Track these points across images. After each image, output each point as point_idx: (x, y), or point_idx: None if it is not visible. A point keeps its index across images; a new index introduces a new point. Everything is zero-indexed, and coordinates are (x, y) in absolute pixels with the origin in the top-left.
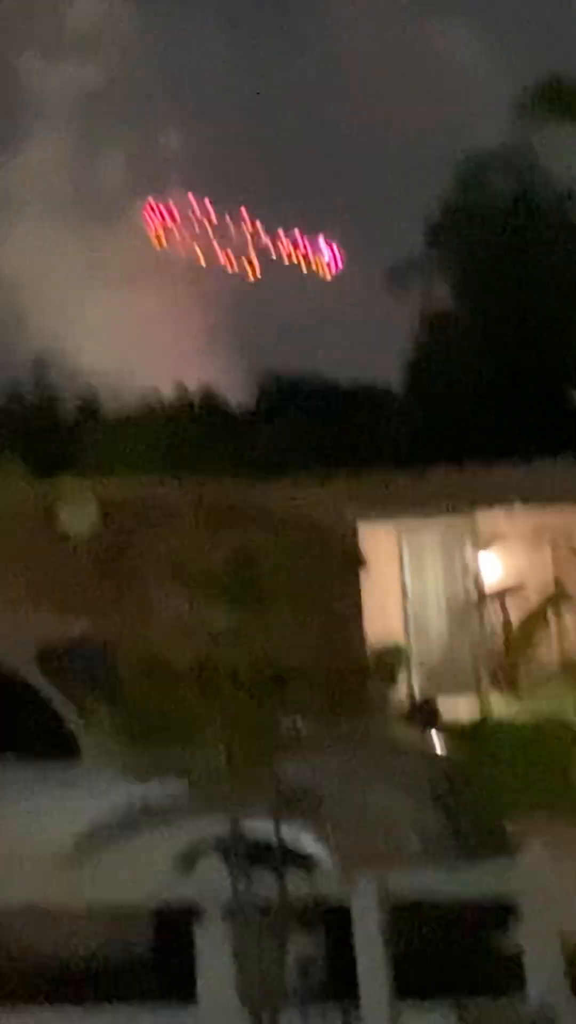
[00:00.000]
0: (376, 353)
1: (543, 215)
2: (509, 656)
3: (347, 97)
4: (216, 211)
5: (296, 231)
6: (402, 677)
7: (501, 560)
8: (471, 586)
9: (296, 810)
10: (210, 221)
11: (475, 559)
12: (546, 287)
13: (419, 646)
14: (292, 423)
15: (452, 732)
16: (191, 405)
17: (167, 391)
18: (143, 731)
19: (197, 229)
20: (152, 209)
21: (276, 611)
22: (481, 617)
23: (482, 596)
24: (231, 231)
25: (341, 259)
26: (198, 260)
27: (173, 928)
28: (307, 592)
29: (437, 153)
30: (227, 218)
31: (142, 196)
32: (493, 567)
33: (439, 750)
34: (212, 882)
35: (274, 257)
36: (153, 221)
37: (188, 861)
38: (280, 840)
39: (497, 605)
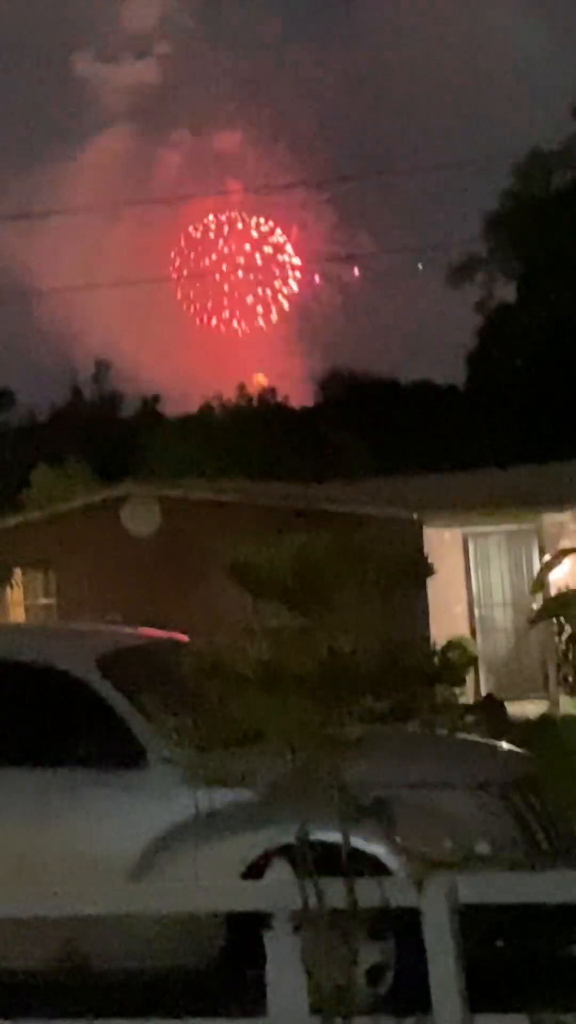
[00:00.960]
0: (439, 350)
1: None
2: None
3: (408, 92)
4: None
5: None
6: (469, 679)
7: (569, 562)
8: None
9: (364, 815)
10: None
11: (541, 559)
12: None
13: (486, 647)
14: (355, 423)
15: (520, 734)
16: (253, 406)
17: (229, 392)
18: (210, 737)
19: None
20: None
21: (342, 613)
22: (548, 618)
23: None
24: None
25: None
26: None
27: (243, 937)
28: (372, 594)
29: (498, 148)
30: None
31: (199, 196)
32: (561, 570)
33: (507, 753)
34: (281, 890)
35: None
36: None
37: (257, 869)
38: (349, 846)
39: None
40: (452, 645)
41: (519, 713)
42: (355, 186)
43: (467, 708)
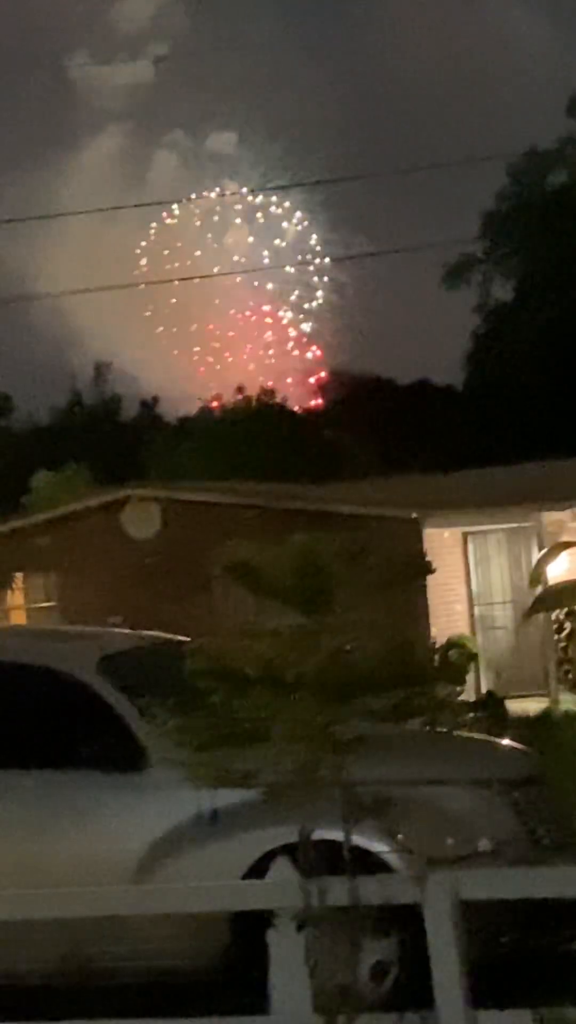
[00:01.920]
0: (437, 350)
1: None
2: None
3: (404, 92)
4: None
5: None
6: (470, 677)
7: (567, 557)
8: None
9: (366, 813)
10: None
11: (540, 555)
12: None
13: (486, 645)
14: (354, 423)
15: (521, 731)
16: (253, 408)
17: (228, 395)
18: (211, 738)
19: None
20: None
21: (342, 613)
22: (547, 616)
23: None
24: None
25: None
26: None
27: (246, 936)
28: (373, 593)
29: (495, 148)
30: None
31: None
32: (559, 565)
33: (508, 749)
34: (284, 889)
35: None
36: None
37: (259, 868)
38: (351, 844)
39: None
40: (452, 643)
41: (520, 710)
42: (351, 186)
43: (468, 706)
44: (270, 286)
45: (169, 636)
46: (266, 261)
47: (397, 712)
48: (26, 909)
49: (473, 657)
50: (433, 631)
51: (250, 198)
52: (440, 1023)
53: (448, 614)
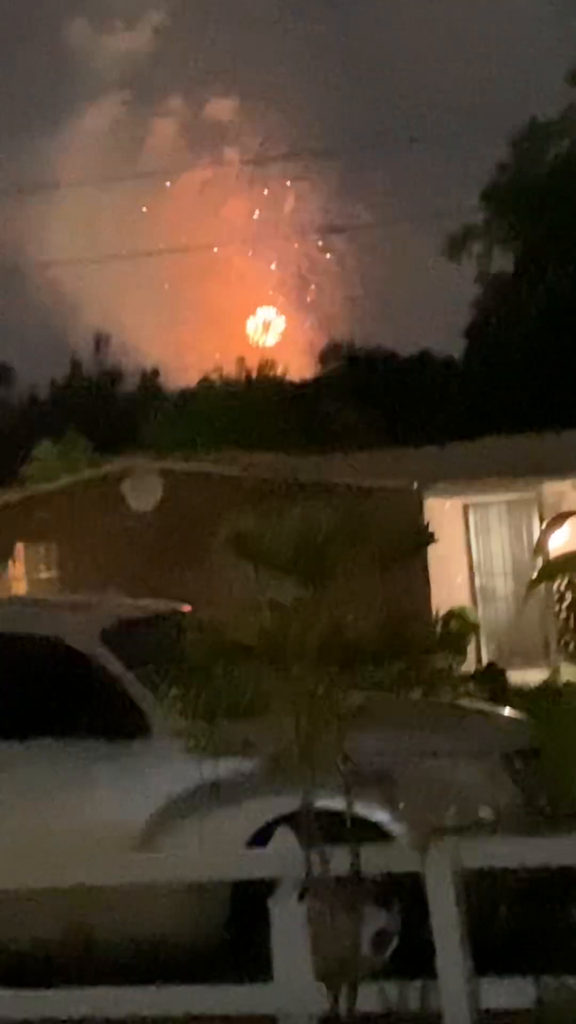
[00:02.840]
0: (437, 321)
1: None
2: None
3: (404, 62)
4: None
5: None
6: (471, 648)
7: (569, 528)
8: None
9: (367, 783)
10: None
11: (541, 528)
12: None
13: (487, 617)
14: (354, 394)
15: (521, 701)
16: (252, 378)
17: (228, 365)
18: (212, 708)
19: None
20: None
21: (342, 584)
22: (548, 587)
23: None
24: (288, 206)
25: None
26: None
27: (247, 905)
28: (373, 564)
29: (495, 119)
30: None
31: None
32: (561, 536)
33: (509, 720)
34: (285, 858)
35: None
36: None
37: (261, 837)
38: (352, 814)
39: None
40: (453, 614)
41: (521, 681)
42: (351, 156)
43: (468, 677)
44: (269, 256)
45: (171, 605)
46: (265, 230)
47: (398, 683)
48: (28, 878)
49: (474, 628)
50: (434, 602)
51: (249, 167)
52: (442, 992)
53: (449, 585)
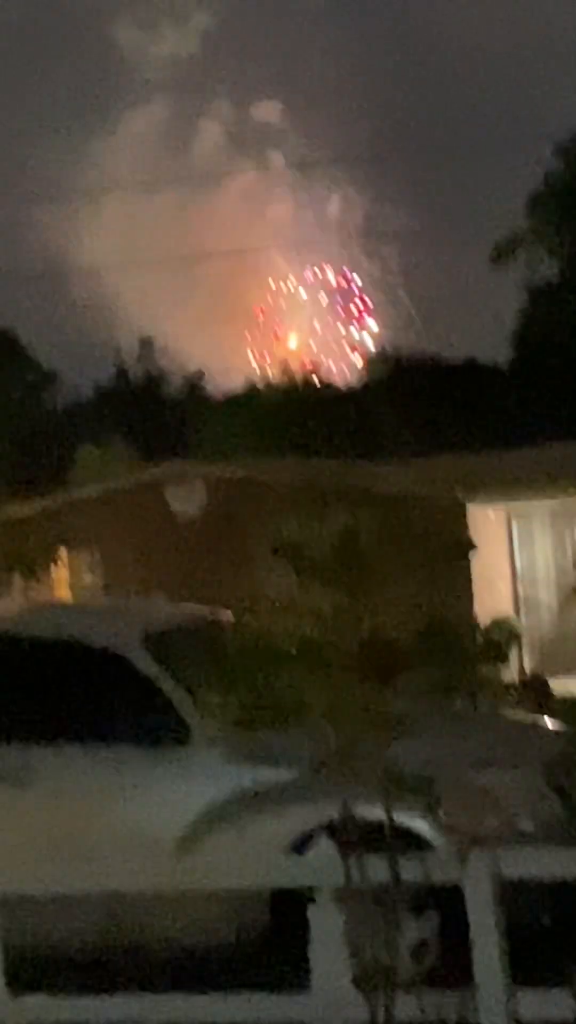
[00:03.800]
0: (483, 328)
1: None
2: None
3: (451, 69)
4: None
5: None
6: (513, 656)
7: None
8: None
9: (408, 792)
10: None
11: None
12: None
13: (530, 625)
14: (399, 401)
15: (564, 711)
16: (299, 385)
17: (273, 370)
18: (253, 714)
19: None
20: None
21: (385, 591)
22: None
23: None
24: (333, 211)
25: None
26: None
27: (286, 913)
28: (416, 572)
29: (541, 126)
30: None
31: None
32: None
33: (551, 729)
34: (325, 866)
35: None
36: None
37: (300, 845)
38: (392, 822)
39: None
40: (495, 623)
41: (563, 691)
42: (398, 161)
43: (510, 686)
44: (315, 261)
45: (212, 611)
46: (311, 235)
47: (439, 691)
48: (69, 883)
49: (516, 636)
50: (476, 611)
51: (294, 171)
52: (480, 1001)
53: (492, 594)
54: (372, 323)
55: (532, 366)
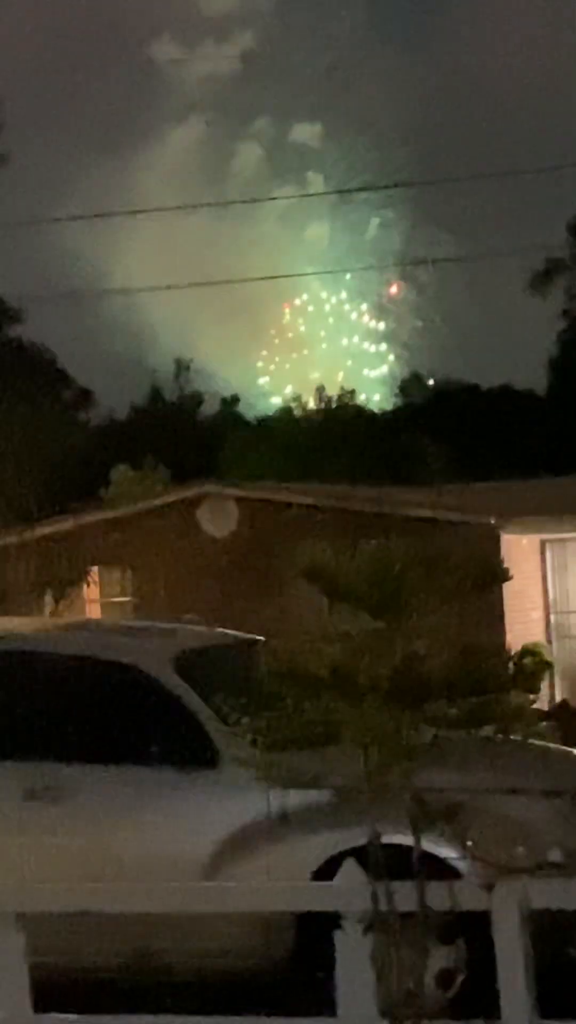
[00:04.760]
0: (520, 355)
1: None
2: None
3: (492, 95)
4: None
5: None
6: (544, 685)
7: None
8: None
9: (436, 819)
10: None
11: None
12: None
13: (561, 654)
14: (435, 427)
15: None
16: (333, 409)
17: (308, 395)
18: (283, 739)
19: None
20: None
21: (416, 618)
22: None
23: None
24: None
25: None
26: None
27: (313, 938)
28: (448, 599)
29: None
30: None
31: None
32: None
33: None
34: (352, 891)
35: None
36: None
37: (328, 869)
38: (420, 849)
39: None
40: (527, 651)
41: None
42: (436, 186)
43: (542, 715)
44: (352, 285)
45: (243, 635)
46: (348, 259)
47: (470, 719)
48: (97, 903)
49: (548, 665)
50: (508, 638)
51: (333, 194)
52: None
53: (524, 621)
54: (408, 348)
55: (569, 393)
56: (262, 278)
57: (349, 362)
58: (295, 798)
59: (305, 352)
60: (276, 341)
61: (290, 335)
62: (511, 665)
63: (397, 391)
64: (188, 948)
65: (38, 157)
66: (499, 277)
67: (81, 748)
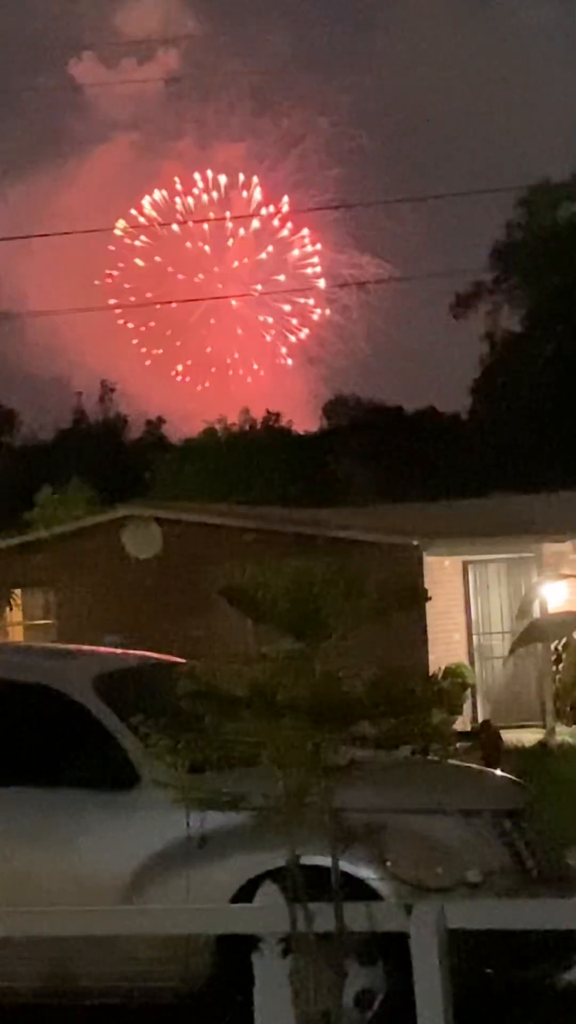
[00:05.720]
0: (442, 378)
1: None
2: (573, 686)
3: (415, 118)
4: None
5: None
6: (466, 706)
7: (568, 588)
8: (536, 614)
9: (355, 840)
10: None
11: (540, 587)
12: None
13: (483, 675)
14: (358, 448)
15: (516, 761)
16: (256, 431)
17: (232, 416)
18: (203, 759)
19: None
20: None
21: (337, 639)
22: (545, 647)
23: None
24: (297, 258)
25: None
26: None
27: (232, 960)
28: (370, 619)
29: (504, 179)
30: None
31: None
32: (559, 595)
33: (500, 779)
34: (270, 913)
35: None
36: None
37: (247, 891)
38: (338, 870)
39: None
40: (449, 672)
41: (516, 741)
42: (361, 211)
43: (462, 735)
44: (276, 308)
45: (164, 657)
46: (272, 282)
47: (390, 739)
48: (15, 927)
49: (469, 686)
50: (431, 659)
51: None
52: None
53: (447, 643)
54: (332, 370)
55: (492, 416)
56: (186, 298)
57: (273, 384)
58: (215, 820)
59: (230, 373)
60: (201, 363)
61: (215, 357)
62: (432, 685)
63: (321, 413)
64: (107, 971)
65: None
66: (422, 300)
67: (0, 770)
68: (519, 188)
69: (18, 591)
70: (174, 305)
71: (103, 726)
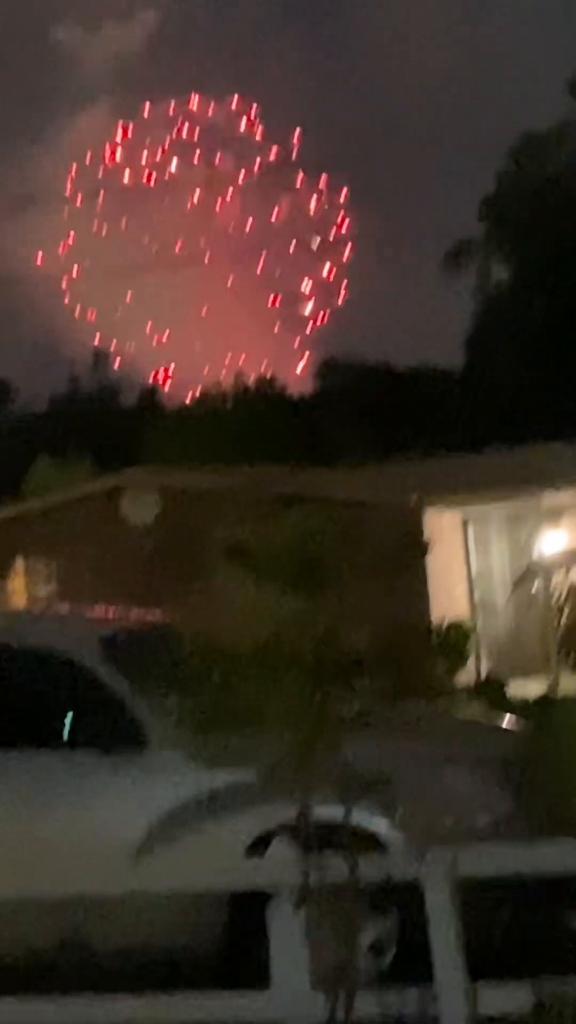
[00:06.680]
0: (434, 334)
1: None
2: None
3: (401, 73)
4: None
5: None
6: (470, 659)
7: (567, 539)
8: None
9: (365, 792)
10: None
11: (540, 538)
12: None
13: (485, 626)
14: (352, 407)
15: (520, 711)
16: (250, 393)
17: (226, 380)
18: (210, 718)
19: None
20: None
21: (340, 595)
22: (547, 599)
23: (548, 575)
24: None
25: None
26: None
27: (246, 914)
28: (371, 575)
29: (492, 131)
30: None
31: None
32: (559, 546)
33: (507, 729)
34: (283, 867)
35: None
36: None
37: (259, 846)
38: (349, 822)
39: (564, 583)
40: (452, 625)
41: (520, 692)
42: (349, 168)
43: (467, 688)
44: (265, 268)
45: (167, 617)
46: (261, 242)
47: (395, 692)
48: (26, 887)
49: (473, 638)
50: (433, 614)
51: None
52: (439, 997)
53: (448, 597)
54: (324, 330)
55: (485, 370)
56: (175, 261)
57: (267, 346)
58: (224, 777)
59: (223, 337)
60: (193, 327)
61: (207, 320)
62: (436, 638)
63: (315, 373)
64: (120, 929)
65: None
66: (414, 256)
67: (7, 735)
68: (507, 140)
69: (20, 559)
70: (174, 267)
71: (110, 687)
